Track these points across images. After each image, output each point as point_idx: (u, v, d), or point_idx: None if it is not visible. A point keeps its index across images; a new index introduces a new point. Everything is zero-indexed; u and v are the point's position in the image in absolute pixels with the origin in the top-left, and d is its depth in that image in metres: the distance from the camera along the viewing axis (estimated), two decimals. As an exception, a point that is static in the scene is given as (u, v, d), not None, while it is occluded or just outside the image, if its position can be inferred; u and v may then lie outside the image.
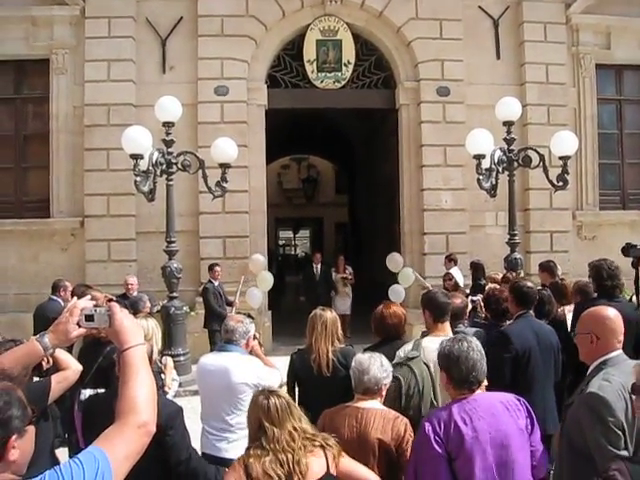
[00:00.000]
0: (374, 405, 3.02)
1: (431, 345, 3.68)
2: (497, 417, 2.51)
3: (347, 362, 3.54)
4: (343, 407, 3.07)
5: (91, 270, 10.13)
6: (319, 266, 12.24)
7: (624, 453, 2.38)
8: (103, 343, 4.07)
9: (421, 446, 2.57)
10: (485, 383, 2.69)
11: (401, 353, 3.64)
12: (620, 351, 2.63)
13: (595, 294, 5.04)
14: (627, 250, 4.97)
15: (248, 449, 2.59)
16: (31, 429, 1.68)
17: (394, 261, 10.54)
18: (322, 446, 2.60)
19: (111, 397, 2.73)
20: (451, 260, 9.73)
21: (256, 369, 3.64)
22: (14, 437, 1.61)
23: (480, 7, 11.14)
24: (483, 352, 2.67)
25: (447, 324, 3.96)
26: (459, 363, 2.57)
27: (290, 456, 2.48)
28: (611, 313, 2.70)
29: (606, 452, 2.38)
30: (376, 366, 3.04)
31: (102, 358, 4.01)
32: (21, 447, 1.63)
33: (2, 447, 1.59)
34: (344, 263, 12.28)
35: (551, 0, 11.18)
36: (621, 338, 2.65)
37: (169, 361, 4.17)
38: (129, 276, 8.72)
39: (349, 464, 2.64)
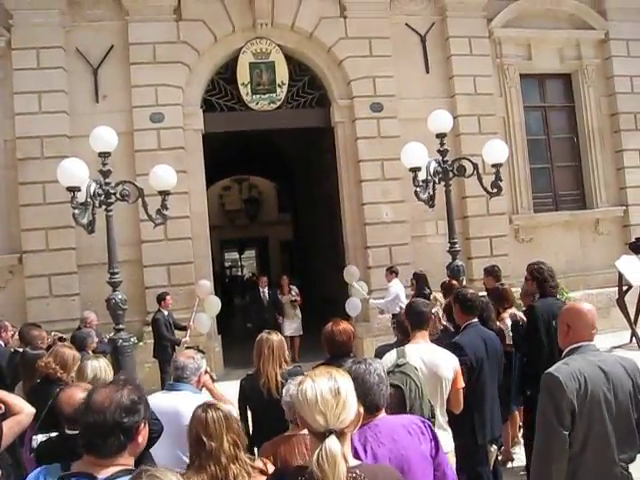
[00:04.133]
0: None
1: (412, 353, 3.77)
2: (398, 442, 2.40)
3: (296, 384, 3.54)
4: (286, 437, 3.04)
5: (32, 307, 9.84)
6: (266, 290, 12.13)
7: (566, 433, 2.54)
8: (53, 381, 3.94)
9: None
10: None
11: (388, 363, 3.53)
12: (591, 343, 2.80)
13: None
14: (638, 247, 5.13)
15: (189, 467, 2.56)
16: (146, 427, 2.03)
17: (350, 274, 10.67)
18: (262, 472, 2.62)
19: (64, 440, 2.70)
20: (392, 272, 9.92)
21: None
22: (142, 425, 1.97)
23: (407, 24, 11.46)
24: (383, 376, 2.55)
25: (426, 332, 4.03)
26: (355, 385, 2.43)
27: (225, 473, 2.48)
28: (585, 308, 2.88)
29: (552, 428, 2.55)
30: None
31: (53, 399, 3.88)
32: (143, 435, 1.99)
33: (135, 430, 1.94)
34: (288, 283, 12.17)
35: (473, 15, 11.61)
36: (593, 331, 2.82)
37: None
38: (89, 312, 8.28)
39: None
